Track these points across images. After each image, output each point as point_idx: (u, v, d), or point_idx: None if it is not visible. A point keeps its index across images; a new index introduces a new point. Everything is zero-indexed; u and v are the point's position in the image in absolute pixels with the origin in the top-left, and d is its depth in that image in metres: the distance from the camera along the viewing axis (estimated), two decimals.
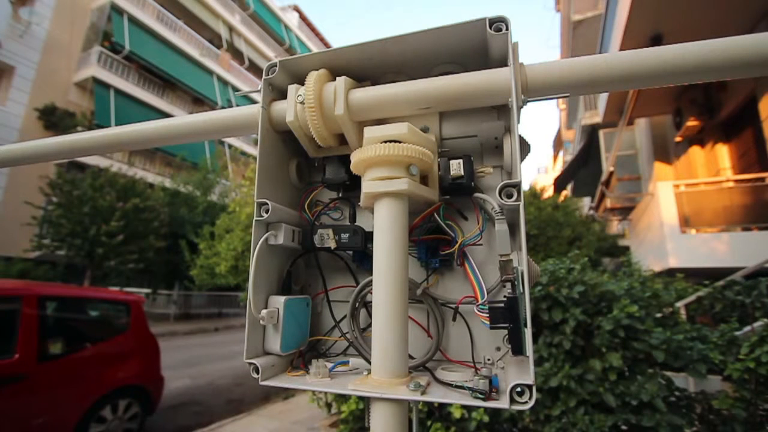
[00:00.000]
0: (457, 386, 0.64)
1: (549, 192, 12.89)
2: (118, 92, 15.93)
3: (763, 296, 3.62)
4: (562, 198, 11.46)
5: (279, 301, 0.78)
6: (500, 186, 0.62)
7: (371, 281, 0.71)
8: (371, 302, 0.71)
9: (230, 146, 21.24)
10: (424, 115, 0.80)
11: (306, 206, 0.91)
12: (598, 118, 11.09)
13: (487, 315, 0.66)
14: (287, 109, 0.79)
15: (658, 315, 2.92)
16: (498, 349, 0.78)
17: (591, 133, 11.89)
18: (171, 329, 12.83)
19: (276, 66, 0.82)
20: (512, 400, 0.55)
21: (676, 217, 6.91)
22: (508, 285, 0.67)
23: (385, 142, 0.69)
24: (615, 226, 14.08)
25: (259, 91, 0.85)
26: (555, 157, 32.40)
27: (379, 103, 0.76)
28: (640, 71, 0.66)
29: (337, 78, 0.77)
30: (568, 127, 20.94)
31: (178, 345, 10.38)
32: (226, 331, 14.34)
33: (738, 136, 7.44)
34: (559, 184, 14.16)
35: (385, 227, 0.67)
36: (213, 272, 9.09)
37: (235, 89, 21.29)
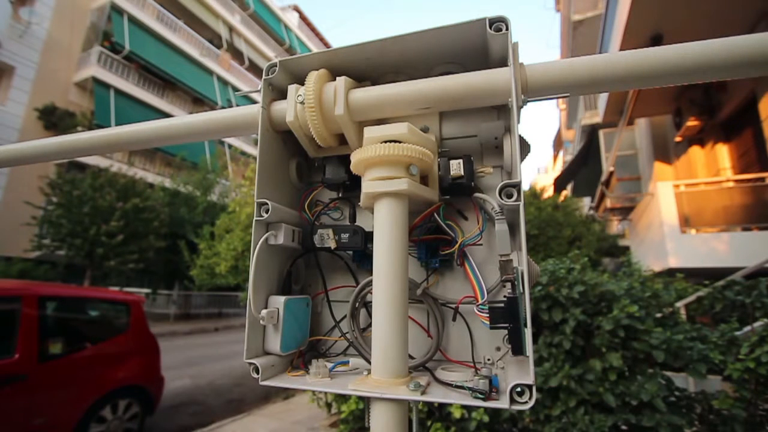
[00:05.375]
0: (457, 386, 0.64)
1: (549, 192, 12.89)
2: (118, 92, 15.93)
3: (763, 296, 3.62)
4: (562, 198, 11.45)
5: (279, 301, 0.78)
6: (500, 186, 0.62)
7: (371, 281, 0.71)
8: (371, 302, 0.71)
9: (230, 146, 21.24)
10: (424, 115, 0.80)
11: (306, 206, 0.91)
12: (598, 118, 11.10)
13: (487, 315, 0.66)
14: (287, 109, 0.79)
15: (658, 315, 2.92)
16: (498, 349, 0.78)
17: (591, 133, 11.89)
18: (171, 329, 12.83)
19: (276, 66, 0.82)
20: (512, 400, 0.55)
21: (676, 217, 6.90)
22: (508, 285, 0.67)
23: (385, 142, 0.69)
24: (615, 226, 14.08)
25: (259, 91, 0.85)
26: (555, 157, 32.40)
27: (379, 103, 0.76)
28: (640, 71, 0.66)
29: (337, 78, 0.77)
30: (568, 127, 20.95)
31: (178, 345, 10.38)
32: (226, 331, 14.34)
33: (738, 136, 7.43)
34: (559, 184, 14.16)
35: (385, 227, 0.67)
36: (213, 272, 9.08)
37: (235, 89, 21.29)
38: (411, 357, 0.78)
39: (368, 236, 0.80)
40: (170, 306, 16.23)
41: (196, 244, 10.68)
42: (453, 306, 0.80)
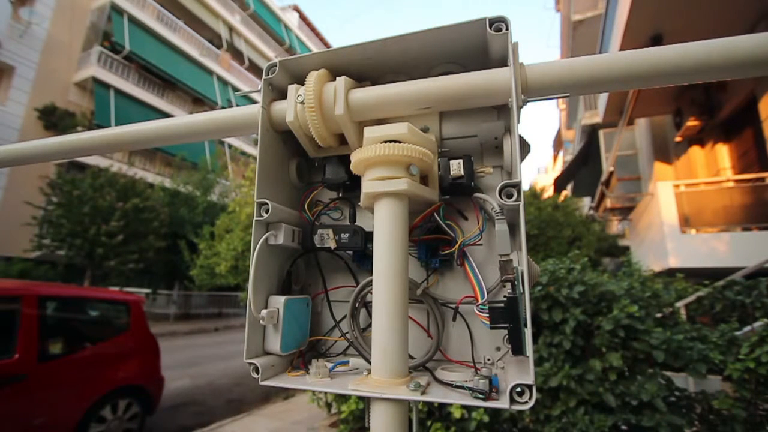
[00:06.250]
0: (457, 386, 0.64)
1: (549, 192, 12.89)
2: (118, 92, 15.93)
3: (763, 296, 3.62)
4: (562, 198, 11.45)
5: (279, 301, 0.78)
6: (500, 186, 0.62)
7: (371, 281, 0.71)
8: (371, 302, 0.71)
9: (230, 146, 21.24)
10: (424, 115, 0.80)
11: (306, 206, 0.91)
12: (598, 118, 11.09)
13: (487, 315, 0.66)
14: (287, 109, 0.79)
15: (658, 315, 2.93)
16: (498, 349, 0.78)
17: (591, 133, 11.89)
18: (171, 329, 12.82)
19: (276, 66, 0.82)
20: (512, 400, 0.55)
21: (676, 217, 6.91)
22: (508, 285, 0.67)
23: (385, 142, 0.69)
24: (615, 226, 14.08)
25: (259, 91, 0.85)
26: (555, 157, 32.41)
27: (379, 103, 0.76)
28: (640, 71, 0.66)
29: (337, 78, 0.77)
30: (568, 127, 20.94)
31: (178, 345, 10.38)
32: (226, 331, 14.33)
33: (738, 136, 7.44)
34: (559, 184, 14.17)
35: (385, 227, 0.67)
36: (213, 272, 9.08)
37: (235, 89, 21.29)
38: (411, 357, 0.78)
39: (368, 236, 0.80)
40: (170, 306, 16.23)
41: (196, 244, 10.69)
42: (453, 306, 0.80)
